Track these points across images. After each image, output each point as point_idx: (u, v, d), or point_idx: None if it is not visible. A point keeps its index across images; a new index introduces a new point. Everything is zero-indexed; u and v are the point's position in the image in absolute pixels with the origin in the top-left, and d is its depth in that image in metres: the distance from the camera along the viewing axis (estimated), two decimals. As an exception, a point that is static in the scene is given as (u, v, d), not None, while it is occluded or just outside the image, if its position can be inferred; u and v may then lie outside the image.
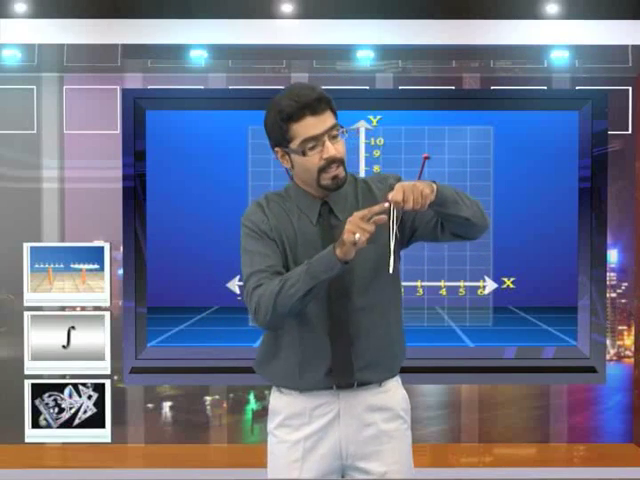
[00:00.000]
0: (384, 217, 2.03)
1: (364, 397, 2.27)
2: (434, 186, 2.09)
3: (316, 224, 2.25)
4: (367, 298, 2.24)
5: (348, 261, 2.07)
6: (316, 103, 2.16)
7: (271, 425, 2.33)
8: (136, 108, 4.07)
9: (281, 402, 2.31)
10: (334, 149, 2.17)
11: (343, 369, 2.23)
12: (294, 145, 2.18)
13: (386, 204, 2.04)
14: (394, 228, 2.09)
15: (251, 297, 2.18)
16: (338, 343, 2.22)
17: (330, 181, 2.20)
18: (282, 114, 2.17)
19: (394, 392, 2.32)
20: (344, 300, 2.22)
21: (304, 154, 2.17)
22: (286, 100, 2.17)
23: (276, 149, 2.25)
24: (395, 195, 2.03)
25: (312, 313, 2.22)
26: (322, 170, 2.18)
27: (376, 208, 2.04)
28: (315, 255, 2.14)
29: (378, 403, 2.28)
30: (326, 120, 2.17)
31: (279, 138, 2.21)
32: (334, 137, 2.18)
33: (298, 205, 2.26)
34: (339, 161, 2.19)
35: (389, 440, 2.27)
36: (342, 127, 2.21)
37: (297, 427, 2.27)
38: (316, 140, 2.16)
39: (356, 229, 2.02)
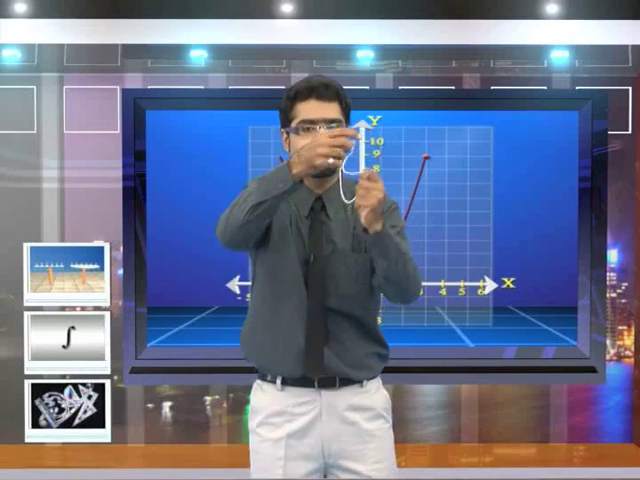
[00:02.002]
0: (351, 143, 2.01)
1: (345, 396, 2.28)
2: (381, 228, 2.06)
3: (307, 217, 2.26)
4: (344, 304, 2.25)
5: (302, 180, 2.07)
6: (323, 88, 2.20)
7: (253, 423, 2.33)
8: (136, 108, 4.07)
9: (263, 400, 2.32)
10: None
11: (313, 366, 2.23)
12: (293, 124, 2.22)
13: (357, 130, 2.05)
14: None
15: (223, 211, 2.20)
16: (312, 340, 2.23)
17: None
18: (290, 92, 2.24)
19: (375, 392, 2.33)
20: (320, 301, 2.23)
21: (297, 133, 2.21)
22: (300, 83, 2.24)
23: (282, 131, 2.29)
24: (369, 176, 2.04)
25: (293, 308, 2.24)
26: None
27: (351, 132, 2.02)
28: (301, 244, 2.21)
29: (359, 403, 2.29)
30: (330, 110, 2.21)
31: (283, 117, 2.26)
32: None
33: (294, 197, 2.26)
34: None
35: (371, 439, 2.28)
36: (347, 124, 2.24)
37: (279, 425, 2.27)
38: (312, 124, 2.19)
39: (329, 151, 1.99)
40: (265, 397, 2.31)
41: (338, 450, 2.26)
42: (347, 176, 2.25)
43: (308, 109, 2.20)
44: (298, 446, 2.26)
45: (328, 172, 2.21)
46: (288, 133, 2.26)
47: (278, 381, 2.29)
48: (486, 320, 4.13)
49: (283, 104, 2.25)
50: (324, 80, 2.23)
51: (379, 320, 2.43)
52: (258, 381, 2.36)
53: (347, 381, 2.27)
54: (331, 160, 1.99)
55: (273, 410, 2.28)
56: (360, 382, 2.29)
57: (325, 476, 2.31)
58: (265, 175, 2.10)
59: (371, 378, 2.32)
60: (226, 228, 2.15)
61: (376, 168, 4.03)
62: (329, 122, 2.20)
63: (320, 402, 2.26)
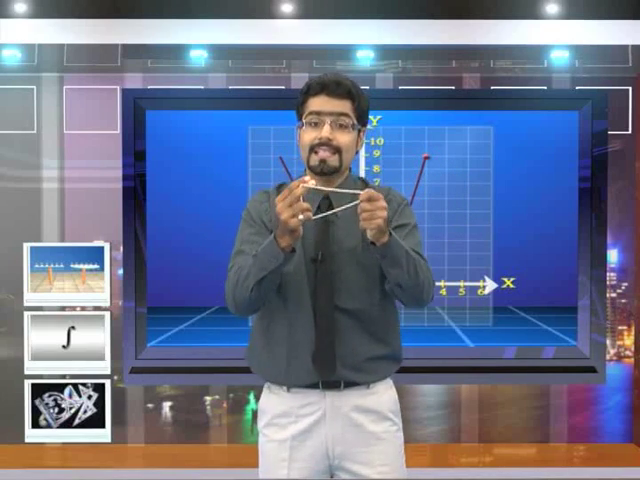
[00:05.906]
0: (300, 190, 1.99)
1: (350, 398, 2.26)
2: (388, 238, 2.03)
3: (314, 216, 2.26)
4: (353, 302, 2.23)
5: (295, 249, 2.07)
6: (334, 85, 2.20)
7: (260, 424, 2.35)
8: (136, 108, 4.07)
9: (270, 401, 2.32)
10: (329, 132, 2.18)
11: (325, 366, 2.22)
12: (303, 119, 2.23)
13: (307, 178, 2.01)
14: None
15: (227, 281, 2.23)
16: (322, 340, 2.21)
17: (317, 162, 2.21)
18: (304, 88, 2.24)
19: (382, 394, 2.31)
20: (329, 301, 2.21)
21: (303, 126, 2.22)
22: (314, 78, 2.25)
23: (296, 127, 2.30)
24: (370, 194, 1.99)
25: (299, 308, 2.23)
26: (313, 150, 2.20)
27: (294, 185, 1.99)
28: (309, 244, 2.19)
29: (365, 404, 2.27)
30: (338, 105, 2.20)
31: (297, 113, 2.27)
32: (340, 126, 2.20)
33: (303, 196, 2.26)
34: (332, 147, 2.19)
35: (377, 442, 2.27)
36: (362, 124, 2.24)
37: (284, 426, 2.28)
38: (318, 116, 2.19)
39: (292, 212, 1.98)
40: (272, 398, 2.31)
41: (343, 452, 2.26)
42: (353, 174, 2.25)
43: (316, 103, 2.20)
44: (302, 447, 2.25)
45: (327, 171, 2.22)
46: (299, 128, 2.26)
47: (284, 386, 2.29)
48: (486, 320, 4.13)
49: (298, 99, 2.26)
50: (337, 78, 2.22)
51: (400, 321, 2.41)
52: (267, 382, 2.35)
53: (352, 383, 2.26)
54: (301, 217, 1.98)
55: (279, 411, 2.29)
56: (367, 384, 2.28)
57: (331, 476, 2.30)
58: (258, 252, 2.09)
59: (378, 380, 2.30)
60: (237, 307, 2.20)
61: (376, 168, 4.03)
62: (336, 115, 2.19)
63: (324, 403, 2.25)
